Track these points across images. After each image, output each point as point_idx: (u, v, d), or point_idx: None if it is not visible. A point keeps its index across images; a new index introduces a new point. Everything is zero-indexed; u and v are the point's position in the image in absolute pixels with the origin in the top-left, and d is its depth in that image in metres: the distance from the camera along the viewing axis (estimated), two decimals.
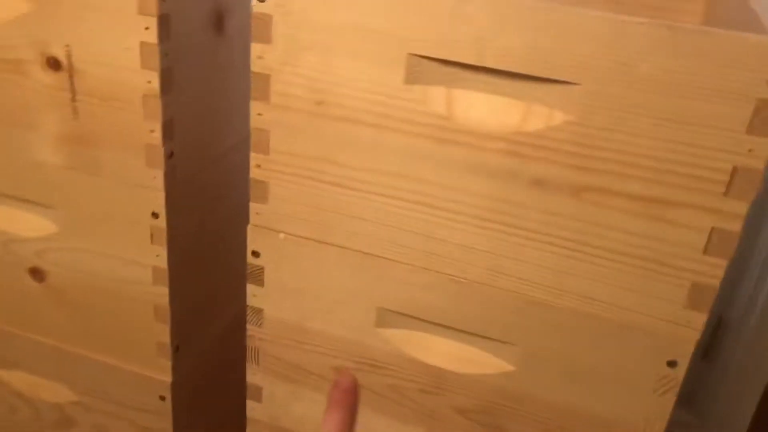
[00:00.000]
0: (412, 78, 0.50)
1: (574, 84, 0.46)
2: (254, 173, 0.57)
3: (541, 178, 0.50)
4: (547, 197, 0.50)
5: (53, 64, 0.61)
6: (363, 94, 0.51)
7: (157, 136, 0.61)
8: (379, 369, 0.61)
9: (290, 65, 0.52)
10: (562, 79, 0.46)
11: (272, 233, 0.59)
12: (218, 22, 0.66)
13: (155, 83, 0.58)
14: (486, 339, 0.57)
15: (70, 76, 0.61)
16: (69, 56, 0.60)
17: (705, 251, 0.48)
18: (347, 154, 0.54)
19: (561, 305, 0.53)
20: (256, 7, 0.52)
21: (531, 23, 0.45)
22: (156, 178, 0.63)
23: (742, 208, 0.46)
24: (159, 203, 0.63)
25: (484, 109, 0.49)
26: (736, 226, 0.47)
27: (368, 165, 0.54)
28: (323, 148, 0.54)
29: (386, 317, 0.59)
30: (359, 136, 0.53)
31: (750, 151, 0.45)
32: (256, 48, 0.53)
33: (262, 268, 0.61)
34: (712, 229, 0.48)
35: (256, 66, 0.53)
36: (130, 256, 0.67)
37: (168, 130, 0.61)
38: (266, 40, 0.52)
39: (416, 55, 0.49)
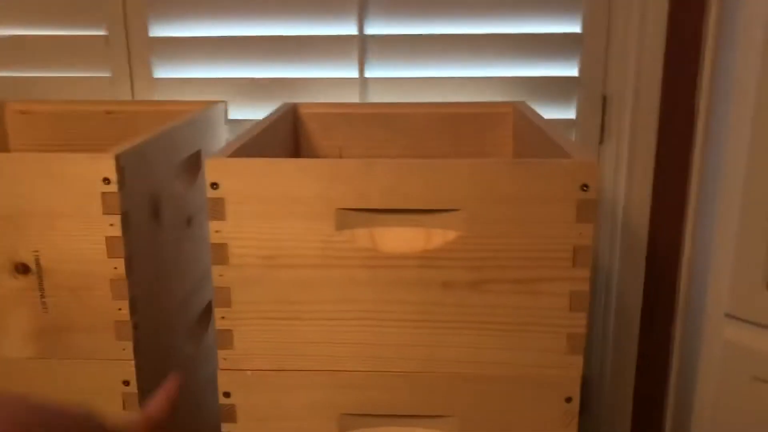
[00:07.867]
0: (341, 225, 0.67)
1: (457, 210, 0.66)
2: (219, 324, 0.70)
3: (447, 280, 0.67)
4: (456, 294, 0.68)
5: (22, 269, 0.71)
6: (305, 243, 0.67)
7: (125, 312, 0.71)
8: None
9: (242, 232, 0.67)
10: (448, 208, 0.66)
11: (239, 372, 0.71)
12: (155, 211, 0.79)
13: (121, 269, 0.70)
14: (431, 417, 0.71)
15: (39, 277, 0.71)
16: (37, 260, 0.70)
17: (570, 309, 0.68)
18: (298, 293, 0.68)
19: (482, 374, 0.70)
20: (210, 193, 0.67)
21: (421, 175, 0.65)
22: (125, 350, 0.72)
23: (585, 273, 0.67)
24: (130, 371, 0.73)
25: (398, 238, 0.67)
26: (585, 287, 0.67)
27: (316, 298, 0.68)
28: (278, 292, 0.68)
29: (347, 421, 0.72)
30: (306, 277, 0.68)
31: (580, 234, 0.66)
32: (213, 224, 0.67)
33: (234, 406, 0.71)
34: (571, 291, 0.67)
35: (214, 238, 0.67)
36: None
37: (133, 305, 0.72)
38: (221, 217, 0.67)
39: (342, 209, 0.66)
